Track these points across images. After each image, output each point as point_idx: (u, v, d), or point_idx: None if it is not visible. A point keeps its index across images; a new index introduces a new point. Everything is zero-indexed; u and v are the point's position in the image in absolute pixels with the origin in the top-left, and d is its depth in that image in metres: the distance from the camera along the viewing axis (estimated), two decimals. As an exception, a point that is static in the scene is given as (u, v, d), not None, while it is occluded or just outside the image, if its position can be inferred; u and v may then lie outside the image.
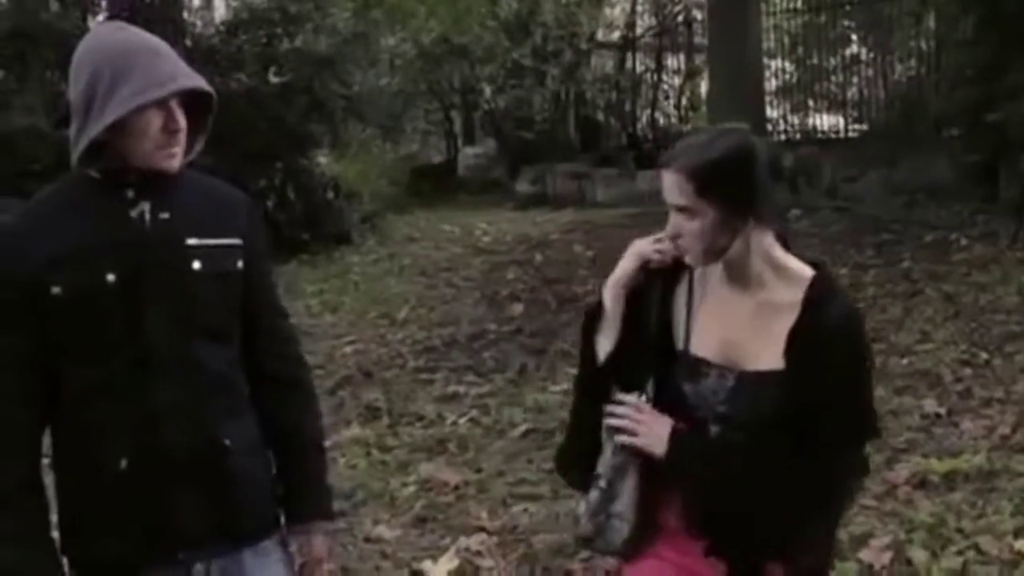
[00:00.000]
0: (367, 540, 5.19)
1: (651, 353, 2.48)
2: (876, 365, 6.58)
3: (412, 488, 5.77)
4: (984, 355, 6.76)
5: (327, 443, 6.64)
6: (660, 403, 2.44)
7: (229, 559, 2.41)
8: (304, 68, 13.38)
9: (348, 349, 9.04)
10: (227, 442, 2.37)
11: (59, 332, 2.27)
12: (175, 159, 2.32)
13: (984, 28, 10.01)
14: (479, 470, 5.97)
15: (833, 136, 15.24)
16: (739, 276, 2.41)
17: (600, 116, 19.17)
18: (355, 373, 8.24)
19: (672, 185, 2.33)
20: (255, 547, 2.45)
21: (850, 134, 15.05)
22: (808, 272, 2.40)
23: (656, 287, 2.49)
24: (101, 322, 2.26)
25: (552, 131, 18.18)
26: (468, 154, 19.54)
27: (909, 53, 14.85)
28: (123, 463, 2.28)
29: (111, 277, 2.25)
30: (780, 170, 2.47)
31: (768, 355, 2.34)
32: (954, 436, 5.66)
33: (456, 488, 5.72)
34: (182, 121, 2.30)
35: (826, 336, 2.30)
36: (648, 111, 18.69)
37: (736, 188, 2.31)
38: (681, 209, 2.33)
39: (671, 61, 19.10)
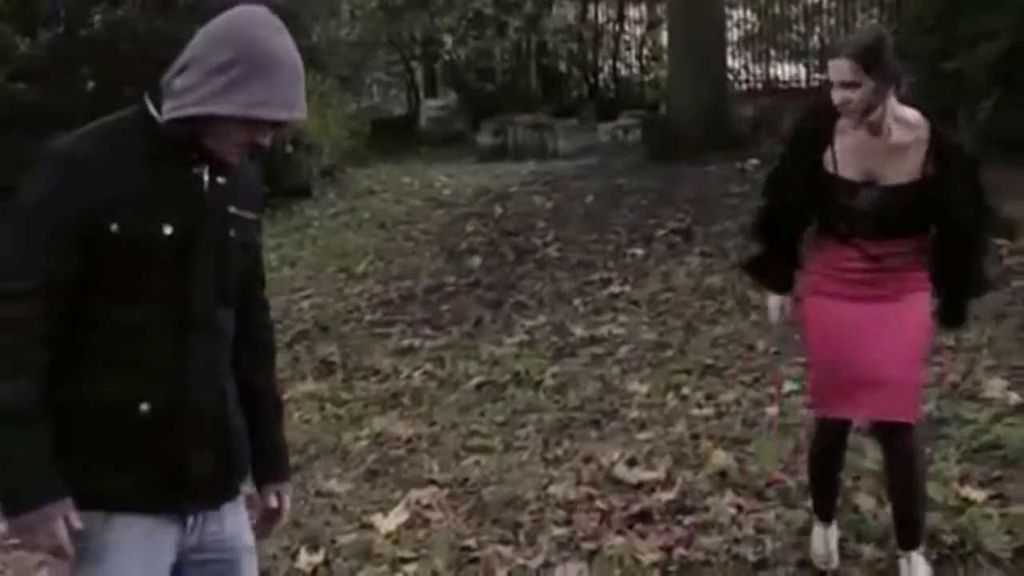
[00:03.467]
0: (318, 494, 5.19)
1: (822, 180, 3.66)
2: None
3: (364, 442, 5.77)
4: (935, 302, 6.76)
5: (283, 398, 6.65)
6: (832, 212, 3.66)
7: (213, 509, 2.49)
8: (262, 18, 13.17)
9: (305, 304, 9.01)
10: (228, 399, 2.50)
11: (106, 267, 2.28)
12: (239, 159, 2.42)
13: (943, -24, 9.97)
14: (432, 423, 5.96)
15: (794, 86, 15.19)
16: (873, 126, 3.52)
17: (562, 67, 19.07)
18: (311, 327, 8.21)
19: (842, 67, 3.43)
20: (234, 498, 2.56)
21: (811, 84, 15.01)
22: (919, 119, 3.56)
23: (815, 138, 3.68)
24: (149, 269, 2.31)
25: (513, 81, 18.10)
26: (430, 106, 19.38)
27: (871, 2, 14.80)
28: (144, 408, 2.32)
29: (168, 230, 2.31)
30: (904, 53, 3.72)
31: (902, 175, 3.55)
32: (904, 383, 5.67)
33: (408, 441, 5.71)
34: (268, 140, 2.38)
35: (951, 156, 3.56)
36: (610, 62, 18.62)
37: (886, 64, 3.44)
38: (847, 84, 3.42)
39: (633, 11, 19.00)
